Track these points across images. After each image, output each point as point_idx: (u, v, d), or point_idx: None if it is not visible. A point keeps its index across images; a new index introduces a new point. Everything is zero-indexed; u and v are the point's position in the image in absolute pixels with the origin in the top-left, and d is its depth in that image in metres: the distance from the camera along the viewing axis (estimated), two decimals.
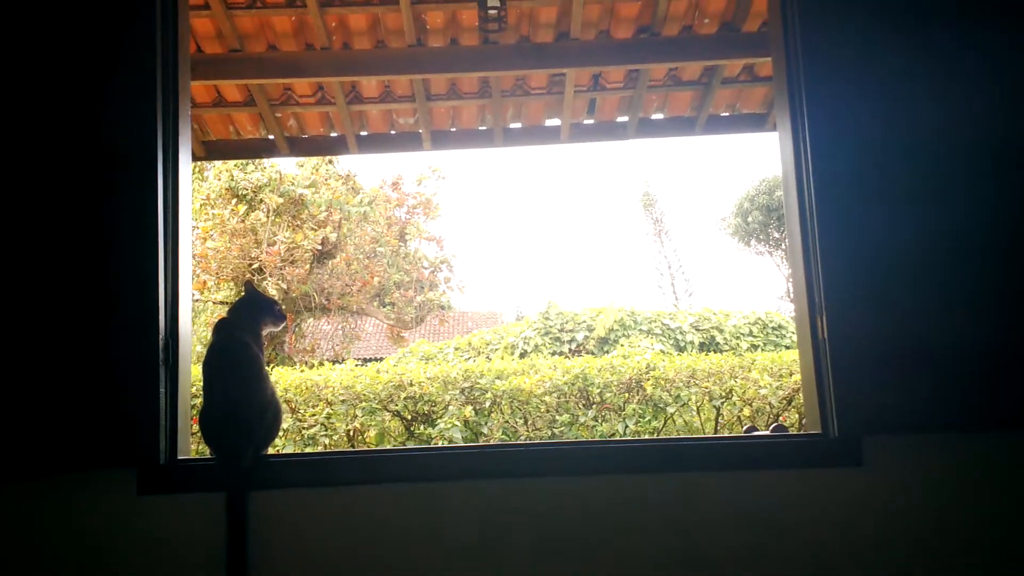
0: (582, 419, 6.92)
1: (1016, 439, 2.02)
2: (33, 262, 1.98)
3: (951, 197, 2.03)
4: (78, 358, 1.94)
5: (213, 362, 2.04)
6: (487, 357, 9.82)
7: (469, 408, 6.90)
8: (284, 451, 6.50)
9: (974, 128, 2.06)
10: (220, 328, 2.11)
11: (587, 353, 10.12)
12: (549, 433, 6.88)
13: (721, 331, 10.47)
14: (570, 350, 10.49)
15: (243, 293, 2.22)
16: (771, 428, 2.67)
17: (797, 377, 6.70)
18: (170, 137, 2.10)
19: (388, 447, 6.39)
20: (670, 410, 7.00)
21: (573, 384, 7.06)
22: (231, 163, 12.34)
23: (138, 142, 2.04)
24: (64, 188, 2.01)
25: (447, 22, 4.19)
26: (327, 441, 6.78)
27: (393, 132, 4.96)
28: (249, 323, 2.13)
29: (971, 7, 2.11)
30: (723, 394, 7.03)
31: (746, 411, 7.05)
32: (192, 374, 2.20)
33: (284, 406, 6.04)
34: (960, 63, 2.09)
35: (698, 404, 7.14)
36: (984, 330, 1.98)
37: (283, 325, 2.25)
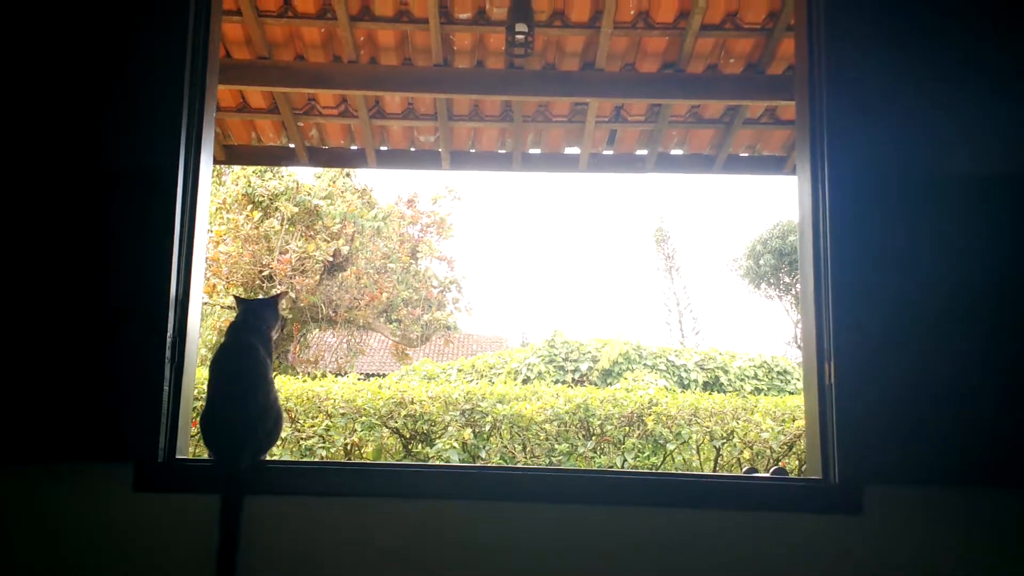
0: (581, 449, 6.88)
1: (1021, 498, 1.99)
2: (48, 256, 1.99)
3: (972, 247, 2.02)
4: (86, 351, 1.95)
5: (219, 363, 2.04)
6: (490, 381, 9.78)
7: (468, 430, 6.86)
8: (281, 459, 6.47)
9: (1005, 171, 2.05)
10: (230, 330, 2.12)
11: (590, 384, 10.08)
12: (547, 461, 6.84)
13: (726, 371, 10.42)
14: (573, 380, 10.46)
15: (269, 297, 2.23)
16: (771, 471, 2.65)
17: (800, 423, 6.65)
18: (193, 139, 2.11)
19: (386, 462, 6.36)
20: (670, 447, 6.95)
21: (574, 414, 7.02)
22: (249, 169, 12.40)
23: (162, 143, 2.05)
24: (86, 185, 2.02)
25: (474, 45, 4.23)
26: (324, 453, 6.75)
27: (413, 149, 4.99)
28: (258, 326, 2.13)
29: (1004, 49, 2.11)
30: (724, 435, 6.99)
31: (747, 453, 6.99)
32: (197, 376, 2.20)
33: (283, 415, 6.03)
34: (992, 106, 2.08)
35: (699, 443, 7.08)
36: (995, 386, 1.96)
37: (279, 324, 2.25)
